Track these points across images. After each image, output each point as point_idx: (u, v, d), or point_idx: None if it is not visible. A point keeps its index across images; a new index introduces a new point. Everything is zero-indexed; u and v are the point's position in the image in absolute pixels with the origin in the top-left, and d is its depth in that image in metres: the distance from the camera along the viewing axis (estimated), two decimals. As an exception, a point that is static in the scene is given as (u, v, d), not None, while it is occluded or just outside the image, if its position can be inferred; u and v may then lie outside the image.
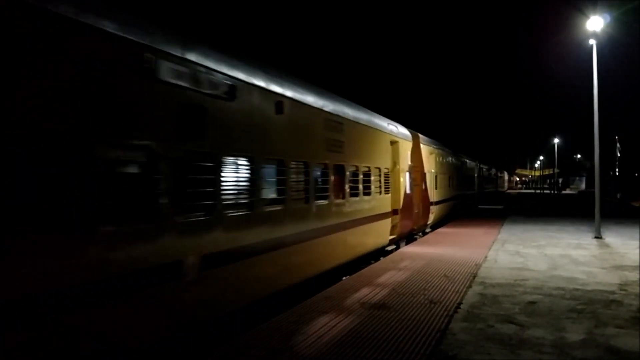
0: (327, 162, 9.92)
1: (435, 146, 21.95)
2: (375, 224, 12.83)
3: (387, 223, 13.96)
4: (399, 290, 9.05)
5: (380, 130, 13.81)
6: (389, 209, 14.01)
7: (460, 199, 29.47)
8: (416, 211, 17.41)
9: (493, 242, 15.80)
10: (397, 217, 14.81)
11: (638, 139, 62.22)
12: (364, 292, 8.83)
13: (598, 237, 16.75)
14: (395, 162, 14.99)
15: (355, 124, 11.77)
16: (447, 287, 9.31)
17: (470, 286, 9.37)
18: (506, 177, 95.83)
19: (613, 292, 8.89)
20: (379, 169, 13.21)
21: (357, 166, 11.49)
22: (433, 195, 20.48)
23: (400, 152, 15.38)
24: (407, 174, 16.14)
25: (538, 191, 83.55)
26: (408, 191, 16.09)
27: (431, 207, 20.07)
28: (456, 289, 9.10)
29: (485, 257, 12.80)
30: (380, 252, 13.77)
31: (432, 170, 20.64)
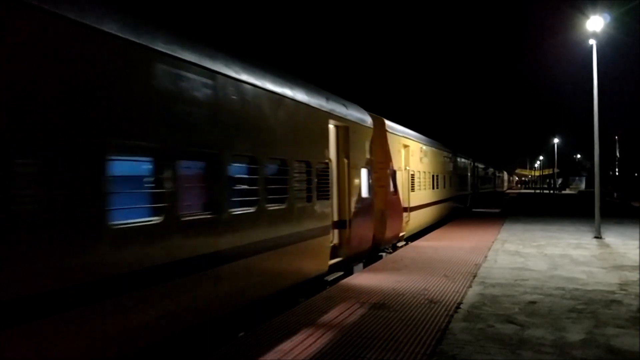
0: (170, 146, 5.64)
1: (412, 137, 17.77)
2: (297, 246, 8.63)
3: (323, 242, 9.74)
4: (398, 290, 9.05)
5: (309, 106, 9.29)
6: (328, 222, 10.01)
7: (450, 202, 25.91)
8: (381, 221, 13.40)
9: (493, 241, 15.80)
10: (347, 231, 10.92)
11: (638, 139, 62.25)
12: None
13: (598, 237, 16.74)
14: (343, 155, 11.01)
15: (245, 88, 7.19)
16: (447, 287, 9.31)
17: (470, 286, 9.37)
18: (505, 177, 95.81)
19: (613, 292, 8.89)
20: (308, 163, 9.10)
21: (252, 158, 7.30)
22: (408, 199, 16.42)
23: (353, 141, 11.35)
24: (365, 172, 12.21)
25: (538, 191, 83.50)
26: (365, 195, 12.13)
27: (406, 215, 16.16)
28: (456, 289, 9.10)
29: (485, 257, 12.79)
30: (321, 283, 9.81)
31: (408, 168, 16.74)
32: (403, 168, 16.25)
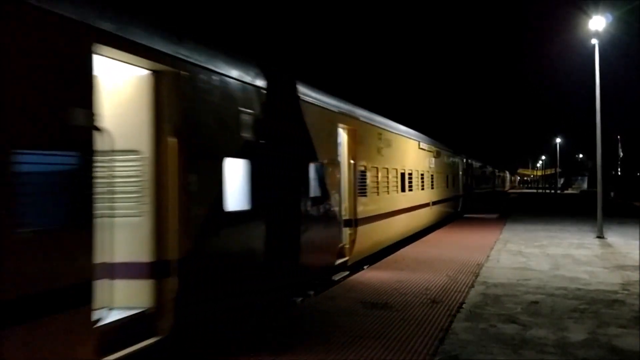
0: None
1: (361, 117, 12.22)
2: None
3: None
4: (400, 289, 9.06)
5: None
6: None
7: (437, 206, 21.11)
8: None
9: (495, 242, 15.79)
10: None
11: (640, 139, 62.15)
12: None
13: (600, 236, 16.73)
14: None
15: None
16: (449, 286, 9.32)
17: (472, 286, 9.37)
18: (508, 176, 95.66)
19: (615, 292, 8.88)
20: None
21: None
22: (354, 206, 11.33)
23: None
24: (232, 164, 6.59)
25: (540, 191, 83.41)
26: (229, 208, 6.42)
27: (350, 232, 11.16)
28: (458, 289, 9.11)
29: (488, 256, 12.79)
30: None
31: (353, 161, 11.49)
32: (345, 161, 11.23)
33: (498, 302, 8.22)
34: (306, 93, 9.11)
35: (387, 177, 14.09)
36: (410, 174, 16.67)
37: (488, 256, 12.88)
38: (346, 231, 11.05)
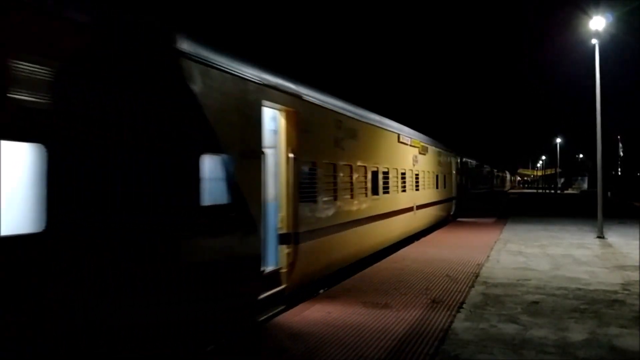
0: None
1: (298, 92, 8.86)
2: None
3: None
4: (400, 289, 9.06)
5: None
6: None
7: (414, 211, 16.95)
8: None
9: (495, 241, 15.79)
10: None
11: (640, 139, 62.17)
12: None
13: (600, 236, 16.73)
14: None
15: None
16: (449, 286, 9.32)
17: (472, 286, 9.38)
18: (508, 177, 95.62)
19: (616, 292, 8.89)
20: None
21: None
22: (293, 216, 8.41)
23: None
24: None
25: (540, 191, 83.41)
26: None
27: (288, 250, 8.33)
28: (459, 289, 9.10)
29: (488, 256, 12.79)
30: None
31: (293, 155, 8.47)
32: (282, 155, 8.41)
33: (498, 302, 8.22)
34: (197, 53, 6.12)
35: (351, 177, 11.07)
36: (385, 173, 13.60)
37: (488, 256, 12.88)
38: (282, 250, 8.17)
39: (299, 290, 8.57)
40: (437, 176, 21.32)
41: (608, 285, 9.42)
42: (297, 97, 8.75)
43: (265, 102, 7.59)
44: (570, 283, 9.64)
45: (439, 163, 22.19)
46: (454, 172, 26.02)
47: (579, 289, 9.12)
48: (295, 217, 8.39)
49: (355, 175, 11.31)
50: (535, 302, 8.17)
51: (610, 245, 15.11)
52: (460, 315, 7.39)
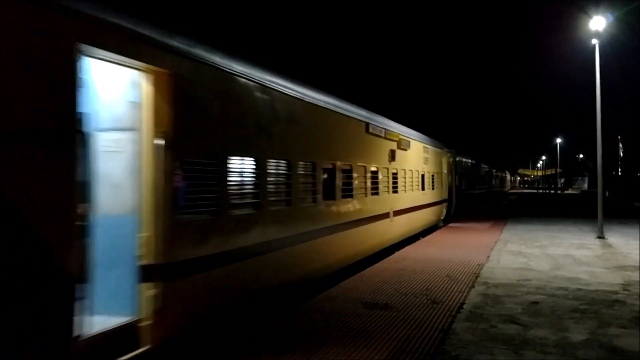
0: None
1: (192, 53, 6.00)
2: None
3: None
4: (400, 290, 9.06)
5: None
6: None
7: (391, 218, 13.95)
8: None
9: (495, 242, 15.79)
10: None
11: (640, 139, 62.16)
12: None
13: (601, 237, 16.73)
14: None
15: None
16: (449, 287, 9.32)
17: (473, 286, 9.38)
18: (507, 177, 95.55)
19: (616, 292, 8.88)
20: None
21: None
22: (164, 239, 5.37)
23: None
24: None
25: (540, 191, 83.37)
26: None
27: (153, 292, 5.21)
28: (459, 289, 9.11)
29: (488, 257, 12.79)
30: None
31: (163, 141, 5.41)
32: (146, 143, 5.43)
33: (498, 302, 8.22)
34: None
35: (288, 178, 8.33)
36: (347, 171, 10.89)
37: (488, 256, 12.87)
38: (142, 291, 5.25)
39: (179, 344, 5.58)
40: (423, 176, 18.20)
41: (608, 286, 9.42)
42: (177, 52, 5.75)
43: (94, 51, 4.68)
44: (570, 283, 9.63)
45: (427, 161, 19.09)
46: (445, 171, 22.97)
47: (579, 289, 9.12)
48: (169, 238, 5.43)
49: (294, 175, 8.45)
50: (536, 303, 8.17)
51: (610, 246, 15.11)
52: (461, 316, 7.39)
